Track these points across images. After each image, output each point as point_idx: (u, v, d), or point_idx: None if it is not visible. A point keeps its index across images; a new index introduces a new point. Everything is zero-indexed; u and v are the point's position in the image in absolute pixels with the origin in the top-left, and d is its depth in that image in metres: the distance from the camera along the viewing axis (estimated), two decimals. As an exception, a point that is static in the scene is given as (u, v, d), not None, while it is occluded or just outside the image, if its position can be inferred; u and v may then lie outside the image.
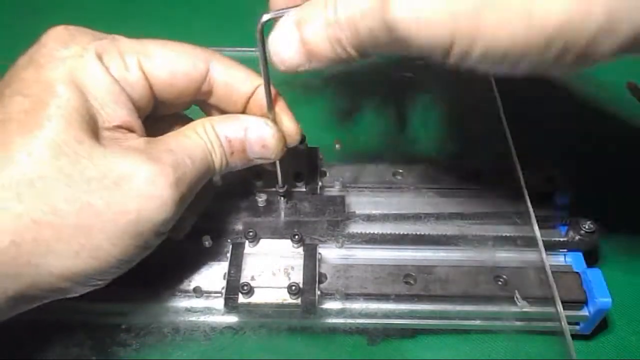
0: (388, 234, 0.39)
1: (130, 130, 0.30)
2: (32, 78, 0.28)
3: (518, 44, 0.22)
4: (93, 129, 0.29)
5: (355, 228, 0.39)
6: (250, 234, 0.36)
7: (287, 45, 0.28)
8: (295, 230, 0.37)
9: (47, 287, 0.28)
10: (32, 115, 0.27)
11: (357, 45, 0.26)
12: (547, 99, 0.54)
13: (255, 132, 0.33)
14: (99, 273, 0.29)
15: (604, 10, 0.21)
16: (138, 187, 0.28)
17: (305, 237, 0.37)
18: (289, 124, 0.34)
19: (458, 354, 0.37)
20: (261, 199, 0.39)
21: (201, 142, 0.31)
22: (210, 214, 0.39)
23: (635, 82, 0.55)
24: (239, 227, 0.38)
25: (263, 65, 0.31)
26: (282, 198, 0.39)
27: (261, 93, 0.33)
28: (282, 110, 0.34)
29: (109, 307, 0.35)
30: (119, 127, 0.30)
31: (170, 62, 0.32)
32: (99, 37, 0.31)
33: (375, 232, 0.39)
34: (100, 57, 0.30)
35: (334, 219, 0.38)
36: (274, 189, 0.39)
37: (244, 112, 0.34)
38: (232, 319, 0.35)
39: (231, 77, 0.33)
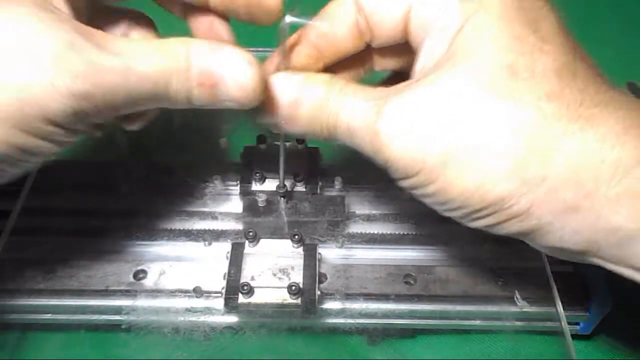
0: (388, 234, 0.39)
1: (55, 6, 0.27)
2: None
3: (460, 199, 0.26)
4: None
5: (355, 228, 0.39)
6: (250, 234, 0.36)
7: (271, 104, 0.29)
8: (295, 230, 0.37)
9: None
10: None
11: (331, 130, 0.29)
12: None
13: (233, 68, 0.28)
14: None
15: (528, 203, 0.25)
16: (31, 61, 0.24)
17: (305, 237, 0.37)
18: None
19: (458, 354, 0.37)
20: (261, 199, 0.39)
21: (160, 59, 0.27)
22: (210, 214, 0.39)
23: (635, 82, 0.55)
24: (239, 227, 0.38)
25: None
26: (282, 198, 0.39)
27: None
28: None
29: (109, 307, 0.35)
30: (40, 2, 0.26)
31: None
32: None
33: (375, 232, 0.39)
34: None
35: (334, 219, 0.38)
36: (274, 189, 0.39)
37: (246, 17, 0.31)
38: (232, 319, 0.35)
39: None
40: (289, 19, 0.28)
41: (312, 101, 0.28)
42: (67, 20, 0.26)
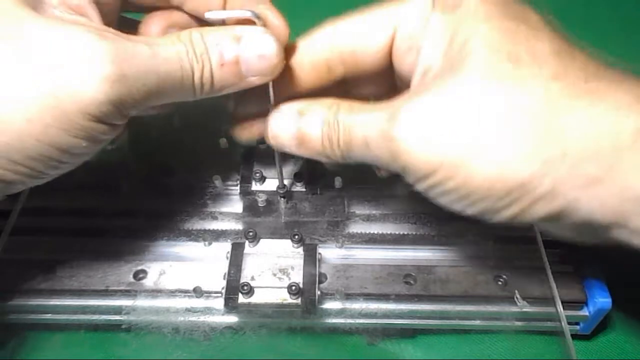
0: (388, 234, 0.39)
1: (82, 14, 0.28)
2: None
3: (482, 189, 0.26)
4: (34, 5, 0.26)
5: (355, 228, 0.39)
6: (250, 234, 0.36)
7: (285, 127, 0.30)
8: (295, 230, 0.37)
9: None
10: None
11: (346, 148, 0.29)
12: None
13: (252, 40, 0.29)
14: (16, 154, 0.26)
15: (551, 182, 0.25)
16: (63, 52, 0.25)
17: (305, 237, 0.37)
18: (276, 21, 0.31)
19: (458, 354, 0.37)
20: (261, 199, 0.39)
21: (178, 45, 0.28)
22: (210, 214, 0.39)
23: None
24: (239, 227, 0.38)
25: None
26: (282, 198, 0.39)
27: None
28: (268, 7, 0.31)
29: (109, 307, 0.35)
30: (65, 3, 0.27)
31: None
32: None
33: (375, 232, 0.39)
34: None
35: (334, 219, 0.38)
36: (274, 189, 0.39)
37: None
38: (232, 319, 0.35)
39: None
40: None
41: (319, 125, 0.30)
42: (96, 24, 0.28)
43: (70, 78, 0.25)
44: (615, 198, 0.25)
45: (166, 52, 0.27)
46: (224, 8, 0.31)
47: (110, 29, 0.27)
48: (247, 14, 0.29)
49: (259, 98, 0.32)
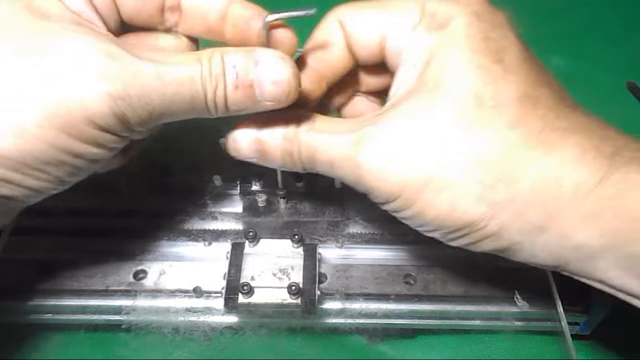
0: (388, 234, 0.39)
1: (91, 22, 0.29)
2: None
3: (436, 222, 0.28)
4: (39, 12, 0.27)
5: (355, 228, 0.39)
6: (250, 234, 0.36)
7: (244, 138, 0.31)
8: (295, 230, 0.37)
9: None
10: None
11: (308, 164, 0.30)
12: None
13: (268, 65, 0.28)
14: (32, 159, 0.26)
15: (498, 224, 0.27)
16: (73, 62, 0.26)
17: (305, 237, 0.37)
18: (285, 34, 0.30)
19: (458, 354, 0.37)
20: (261, 199, 0.39)
21: (195, 67, 0.28)
22: (210, 214, 0.39)
23: (635, 82, 0.55)
24: (239, 227, 0.38)
25: None
26: (282, 198, 0.39)
27: (236, 14, 0.30)
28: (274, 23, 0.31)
29: (109, 307, 0.35)
30: (75, 17, 0.28)
31: None
32: None
33: (375, 232, 0.39)
34: None
35: (334, 219, 0.38)
36: (274, 190, 0.39)
37: (221, 37, 0.31)
38: (232, 319, 0.35)
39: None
40: (271, 17, 0.29)
41: (279, 139, 0.30)
42: (103, 33, 0.28)
43: (77, 90, 0.26)
44: (555, 245, 0.27)
45: (176, 72, 0.27)
46: (222, 26, 0.31)
47: (119, 42, 0.28)
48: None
49: None
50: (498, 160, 0.26)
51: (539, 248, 0.27)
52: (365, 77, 0.34)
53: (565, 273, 0.28)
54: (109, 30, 0.30)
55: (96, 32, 0.28)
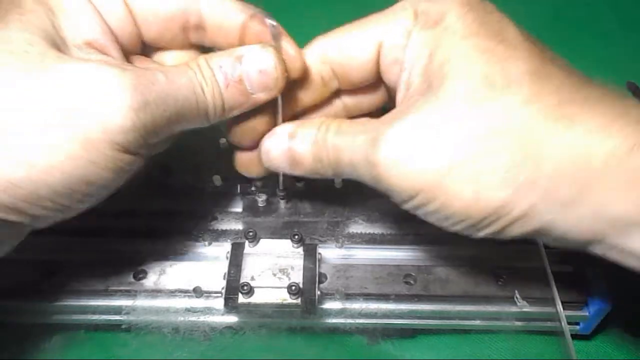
0: (388, 234, 0.39)
1: (104, 52, 0.29)
2: None
3: (461, 213, 0.27)
4: (56, 41, 0.28)
5: (355, 228, 0.39)
6: (250, 234, 0.36)
7: (277, 149, 0.32)
8: (295, 230, 0.37)
9: None
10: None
11: (335, 167, 0.31)
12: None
13: (251, 58, 0.30)
14: (45, 189, 0.26)
15: (526, 206, 0.26)
16: (89, 88, 0.26)
17: (305, 237, 0.37)
18: (291, 51, 0.31)
19: (458, 354, 0.37)
20: (261, 199, 0.39)
21: (189, 72, 0.29)
22: (210, 214, 0.39)
23: (635, 82, 0.55)
24: (239, 227, 0.38)
25: None
26: (282, 199, 0.39)
27: (256, 29, 0.31)
28: (284, 38, 0.32)
29: (109, 307, 0.35)
30: (90, 44, 0.29)
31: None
32: None
33: (375, 232, 0.39)
34: None
35: (334, 219, 0.38)
36: (274, 190, 0.39)
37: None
38: (232, 319, 0.35)
39: (222, 5, 0.31)
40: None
41: (309, 146, 0.31)
42: (115, 59, 0.29)
43: (98, 111, 0.26)
44: (589, 219, 0.26)
45: (179, 78, 0.29)
46: (243, 41, 0.32)
47: (129, 64, 0.29)
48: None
49: (253, 131, 0.33)
50: (518, 140, 0.26)
51: (572, 224, 0.26)
52: (356, 100, 0.35)
53: (597, 251, 0.27)
54: (129, 53, 0.31)
55: (110, 58, 0.29)
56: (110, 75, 0.27)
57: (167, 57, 0.34)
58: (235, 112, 0.31)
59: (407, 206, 0.29)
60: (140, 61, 0.32)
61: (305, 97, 0.33)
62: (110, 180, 0.28)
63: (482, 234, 0.28)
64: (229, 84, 0.30)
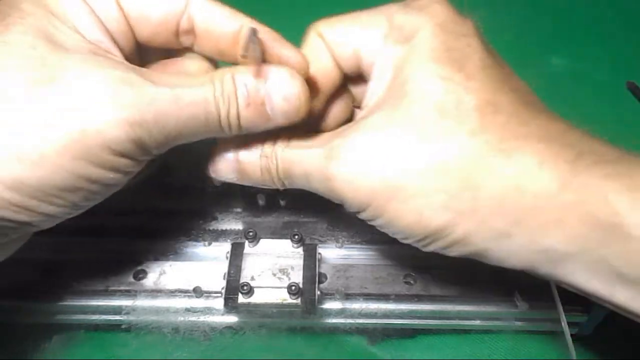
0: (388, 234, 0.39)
1: (106, 51, 0.29)
2: None
3: (405, 230, 0.29)
4: (55, 43, 0.28)
5: (355, 228, 0.39)
6: (250, 234, 0.36)
7: (223, 159, 0.32)
8: (295, 230, 0.37)
9: None
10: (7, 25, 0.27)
11: (285, 179, 0.31)
12: (547, 99, 0.54)
13: (277, 82, 0.29)
14: (50, 186, 0.27)
15: (463, 231, 0.27)
16: (88, 95, 0.27)
17: (305, 237, 0.37)
18: (297, 57, 0.31)
19: (458, 354, 0.37)
20: (261, 199, 0.39)
21: (208, 88, 0.29)
22: (210, 214, 0.39)
23: (635, 82, 0.55)
24: (239, 227, 0.38)
25: None
26: (282, 199, 0.39)
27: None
28: (280, 44, 0.31)
29: (109, 307, 0.35)
30: (92, 46, 0.29)
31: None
32: None
33: (375, 232, 0.39)
34: None
35: (334, 219, 0.38)
36: (274, 189, 0.39)
37: (233, 59, 0.32)
38: (232, 319, 0.35)
39: (212, 13, 0.31)
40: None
41: (257, 158, 0.31)
42: (119, 62, 0.29)
43: (94, 118, 0.26)
44: (524, 250, 0.27)
45: (191, 95, 0.28)
46: (234, 49, 0.31)
47: (136, 69, 0.28)
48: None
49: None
50: (460, 169, 0.27)
51: (507, 253, 0.28)
52: (355, 90, 0.34)
53: (537, 276, 0.29)
54: (126, 53, 0.31)
55: (113, 61, 0.28)
56: (112, 85, 0.27)
57: (190, 65, 0.33)
58: (253, 131, 0.30)
59: (359, 216, 0.30)
60: (162, 66, 0.33)
61: (332, 77, 0.32)
62: (112, 179, 0.28)
63: (428, 249, 0.30)
64: (250, 103, 0.29)
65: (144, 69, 0.29)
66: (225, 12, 0.31)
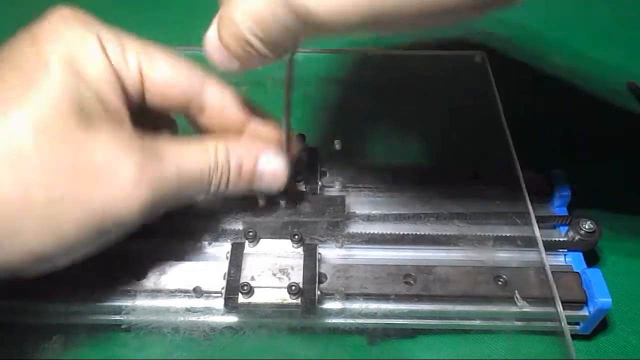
0: (388, 234, 0.39)
1: (122, 122, 0.30)
2: (29, 52, 0.28)
3: None
4: (83, 114, 0.28)
5: (355, 228, 0.39)
6: (250, 234, 0.36)
7: (214, 48, 0.29)
8: (295, 230, 0.37)
9: (3, 264, 0.28)
10: (21, 90, 0.27)
11: (265, 39, 0.26)
12: (547, 99, 0.54)
13: (269, 160, 0.33)
14: (61, 256, 0.29)
15: None
16: (112, 184, 0.28)
17: (305, 237, 0.37)
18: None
19: (458, 354, 0.37)
20: (261, 199, 0.38)
21: (205, 159, 0.31)
22: (210, 214, 0.39)
23: (635, 82, 0.55)
24: (239, 227, 0.38)
25: (286, 92, 0.33)
26: (282, 199, 0.38)
27: (254, 126, 0.34)
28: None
29: (109, 307, 0.35)
30: (111, 116, 0.29)
31: (169, 71, 0.32)
32: (104, 26, 0.31)
33: (375, 232, 0.39)
34: (102, 45, 0.30)
35: (334, 219, 0.38)
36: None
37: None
38: (232, 319, 0.35)
39: (225, 102, 0.34)
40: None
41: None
42: (135, 139, 0.30)
43: (113, 202, 0.28)
44: None
45: (190, 166, 0.31)
46: (243, 130, 0.35)
47: (145, 143, 0.30)
48: None
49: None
50: None
51: None
52: None
53: None
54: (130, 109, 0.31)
55: (129, 137, 0.30)
56: (133, 174, 0.28)
57: None
58: (235, 194, 0.34)
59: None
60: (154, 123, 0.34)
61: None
62: (109, 244, 0.31)
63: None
64: (241, 175, 0.33)
65: (152, 142, 0.30)
66: (236, 105, 0.34)
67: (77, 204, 0.28)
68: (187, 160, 0.31)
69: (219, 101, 0.33)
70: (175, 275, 0.36)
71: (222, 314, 0.35)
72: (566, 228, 0.39)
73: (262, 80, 0.33)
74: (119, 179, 0.28)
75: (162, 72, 0.32)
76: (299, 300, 0.34)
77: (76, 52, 0.29)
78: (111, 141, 0.29)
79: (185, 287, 0.35)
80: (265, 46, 0.27)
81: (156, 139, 0.31)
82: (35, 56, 0.28)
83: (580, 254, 0.39)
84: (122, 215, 0.29)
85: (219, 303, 0.35)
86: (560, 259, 0.39)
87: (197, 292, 0.35)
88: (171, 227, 0.38)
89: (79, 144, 0.28)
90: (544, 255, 0.37)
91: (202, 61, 0.31)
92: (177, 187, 0.30)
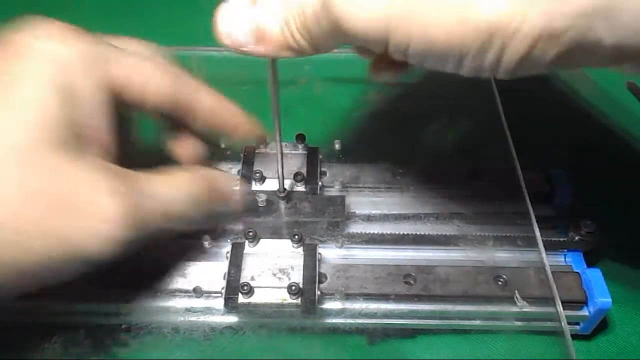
0: (388, 234, 0.39)
1: (107, 147, 0.30)
2: (16, 67, 0.27)
3: (454, 40, 0.22)
4: (68, 139, 0.27)
5: (355, 228, 0.39)
6: (250, 234, 0.36)
7: (237, 20, 0.26)
8: (295, 230, 0.37)
9: None
10: (7, 113, 0.26)
11: (305, 32, 0.26)
12: (547, 99, 0.54)
13: (224, 186, 0.35)
14: (26, 285, 0.28)
15: (540, 13, 0.20)
16: (87, 218, 0.27)
17: (305, 237, 0.37)
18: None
19: (458, 354, 0.37)
20: (261, 199, 0.39)
21: (187, 186, 0.32)
22: (210, 214, 0.39)
23: (635, 82, 0.55)
24: (239, 227, 0.38)
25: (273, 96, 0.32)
26: (282, 199, 0.39)
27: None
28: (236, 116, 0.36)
29: (109, 307, 0.35)
30: (95, 142, 0.29)
31: (156, 86, 0.32)
32: (82, 39, 0.29)
33: (375, 232, 0.39)
34: (92, 64, 0.29)
35: (334, 219, 0.38)
36: (274, 189, 0.39)
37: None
38: (232, 319, 0.35)
39: (217, 108, 0.35)
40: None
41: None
42: (119, 175, 0.29)
43: (88, 240, 0.27)
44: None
45: (177, 205, 0.31)
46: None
47: (129, 177, 0.29)
48: None
49: None
50: None
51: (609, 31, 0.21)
52: None
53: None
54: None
55: (113, 172, 0.29)
56: (111, 209, 0.27)
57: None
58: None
59: (392, 53, 0.24)
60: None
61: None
62: (75, 276, 0.29)
63: (487, 63, 0.22)
64: (212, 199, 0.34)
65: (135, 176, 0.30)
66: (231, 105, 0.35)
67: (48, 235, 0.26)
68: (170, 197, 0.31)
69: (209, 109, 0.35)
70: (175, 275, 0.36)
71: (222, 314, 0.35)
72: (566, 228, 0.39)
73: (262, 80, 0.32)
74: (95, 213, 0.27)
75: (150, 86, 0.32)
76: (299, 300, 0.34)
77: (67, 74, 0.28)
78: (90, 172, 0.28)
79: (185, 287, 0.35)
80: (303, 36, 0.26)
81: (142, 176, 0.30)
82: (9, 76, 0.27)
83: (580, 254, 0.39)
84: (94, 252, 0.27)
85: (219, 303, 0.35)
86: (560, 259, 0.39)
87: (197, 292, 0.35)
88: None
89: (57, 173, 0.26)
90: (544, 255, 0.37)
91: (202, 61, 0.31)
92: (158, 221, 0.30)
